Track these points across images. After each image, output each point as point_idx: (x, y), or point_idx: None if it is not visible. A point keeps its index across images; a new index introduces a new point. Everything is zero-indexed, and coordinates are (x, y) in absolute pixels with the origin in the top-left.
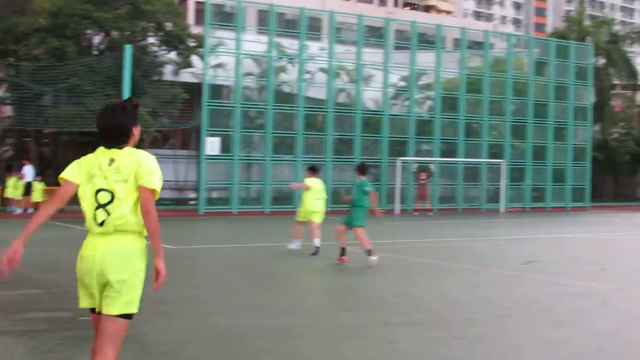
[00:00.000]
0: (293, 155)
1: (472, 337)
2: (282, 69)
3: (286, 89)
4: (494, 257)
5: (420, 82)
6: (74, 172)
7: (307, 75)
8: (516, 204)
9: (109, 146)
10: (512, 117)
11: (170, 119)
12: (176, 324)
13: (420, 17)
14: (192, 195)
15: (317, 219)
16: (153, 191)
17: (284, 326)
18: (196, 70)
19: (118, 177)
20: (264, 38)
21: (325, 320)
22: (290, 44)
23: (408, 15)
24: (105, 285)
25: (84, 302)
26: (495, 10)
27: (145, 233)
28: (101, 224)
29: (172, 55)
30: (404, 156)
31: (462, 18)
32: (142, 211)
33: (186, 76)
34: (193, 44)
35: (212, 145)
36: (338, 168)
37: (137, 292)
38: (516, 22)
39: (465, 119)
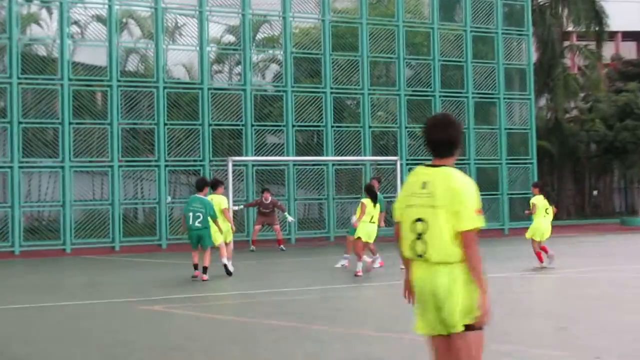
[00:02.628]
0: (57, 158)
1: None
2: (33, 18)
3: (41, 50)
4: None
5: (260, 36)
6: (399, 210)
7: (73, 29)
8: None
9: (430, 162)
10: (408, 88)
11: None
12: None
13: None
14: None
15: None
16: (473, 230)
17: None
18: None
19: (430, 202)
20: None
21: None
22: None
23: None
24: (439, 309)
25: (422, 329)
26: None
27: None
28: (420, 255)
29: None
30: (239, 154)
31: None
32: (462, 246)
33: None
34: None
35: None
36: (133, 177)
37: (468, 302)
38: None
39: (335, 93)
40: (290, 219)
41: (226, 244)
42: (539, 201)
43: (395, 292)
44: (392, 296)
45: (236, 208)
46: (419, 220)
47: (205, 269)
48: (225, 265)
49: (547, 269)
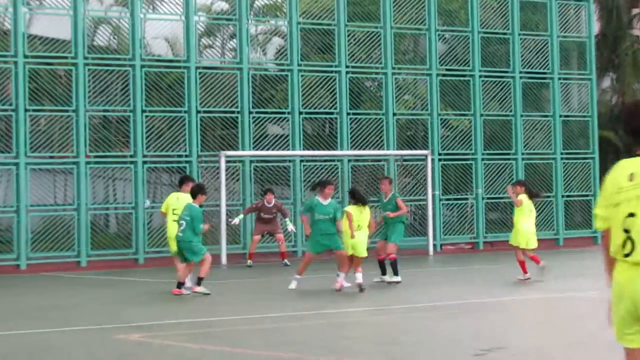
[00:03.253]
0: (9, 154)
1: None
2: None
3: None
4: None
5: (260, 3)
6: (603, 213)
7: None
8: (458, 238)
9: (635, 153)
10: (441, 66)
11: None
12: None
13: None
14: None
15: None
16: None
17: None
18: None
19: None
20: None
21: None
22: None
23: None
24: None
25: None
26: None
27: None
28: (627, 254)
29: None
30: (234, 148)
31: None
32: None
33: None
34: None
35: None
36: (104, 176)
37: None
38: None
39: (352, 72)
40: (291, 227)
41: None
42: (525, 199)
43: (404, 317)
44: (408, 320)
45: (236, 221)
46: (631, 215)
47: (199, 281)
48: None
49: (537, 281)
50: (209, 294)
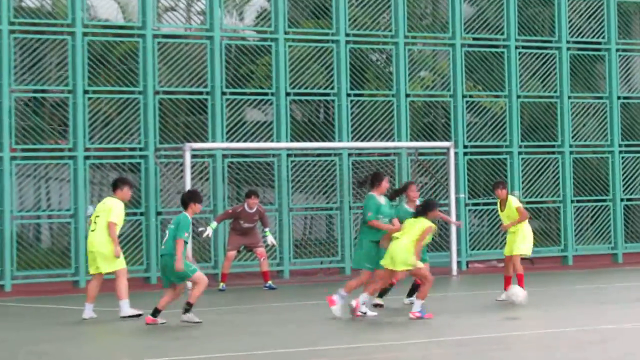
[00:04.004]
0: None
1: None
2: None
3: None
4: None
5: None
6: None
7: None
8: (490, 254)
9: None
10: (468, 34)
11: None
12: None
13: None
14: None
15: None
16: None
17: None
18: None
19: None
20: None
21: None
22: None
23: None
24: None
25: None
26: None
27: None
28: None
29: None
30: (202, 140)
31: None
32: None
33: None
34: None
35: None
36: (34, 175)
37: None
38: None
39: (353, 42)
40: (271, 240)
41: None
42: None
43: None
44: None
45: (208, 232)
46: None
47: (187, 308)
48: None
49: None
50: (199, 322)
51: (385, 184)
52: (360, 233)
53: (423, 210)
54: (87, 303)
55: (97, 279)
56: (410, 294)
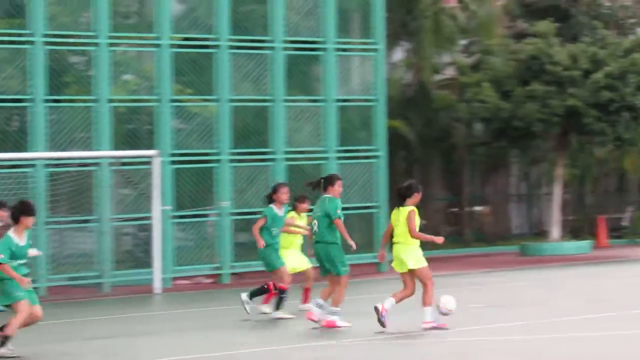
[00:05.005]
0: None
1: None
2: None
3: None
4: None
5: None
6: None
7: None
8: (196, 269)
9: None
10: (176, 34)
11: None
12: None
13: None
14: None
15: None
16: None
17: None
18: None
19: None
20: None
21: None
22: None
23: None
24: None
25: None
26: None
27: None
28: None
29: None
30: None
31: None
32: None
33: None
34: None
35: None
36: None
37: None
38: None
39: (49, 44)
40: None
41: None
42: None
43: None
44: None
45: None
46: None
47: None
48: None
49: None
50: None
51: (338, 187)
52: (320, 237)
53: (402, 198)
54: None
55: None
56: (252, 296)
